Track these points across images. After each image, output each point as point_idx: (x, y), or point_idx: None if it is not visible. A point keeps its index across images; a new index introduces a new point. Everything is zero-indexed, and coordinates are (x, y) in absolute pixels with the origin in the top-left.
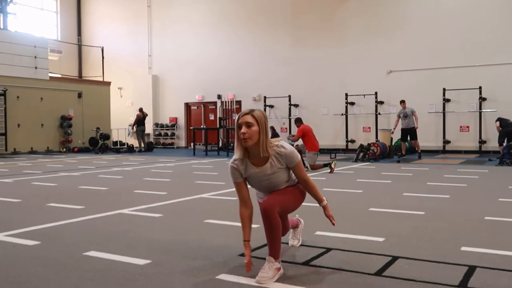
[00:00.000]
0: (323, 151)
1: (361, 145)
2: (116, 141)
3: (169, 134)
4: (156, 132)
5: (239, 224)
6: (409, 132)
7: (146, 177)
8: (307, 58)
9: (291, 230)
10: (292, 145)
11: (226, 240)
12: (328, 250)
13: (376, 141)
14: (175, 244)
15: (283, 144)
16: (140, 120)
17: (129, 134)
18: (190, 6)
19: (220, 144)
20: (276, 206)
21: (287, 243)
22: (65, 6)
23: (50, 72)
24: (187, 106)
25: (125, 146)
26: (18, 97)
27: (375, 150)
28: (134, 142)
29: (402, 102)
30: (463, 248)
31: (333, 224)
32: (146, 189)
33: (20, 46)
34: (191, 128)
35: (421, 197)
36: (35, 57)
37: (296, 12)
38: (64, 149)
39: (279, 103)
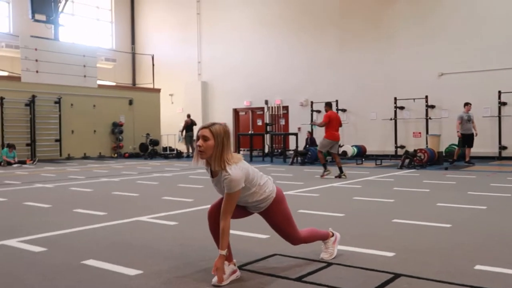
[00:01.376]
0: (371, 157)
1: (407, 151)
2: (166, 147)
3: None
4: None
5: (250, 235)
6: (470, 138)
7: (181, 183)
8: (354, 62)
9: (322, 243)
10: (311, 132)
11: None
12: (329, 265)
13: (427, 147)
14: (175, 254)
15: (233, 169)
16: (188, 126)
17: (179, 140)
18: (238, 12)
19: (267, 150)
20: (215, 209)
21: (285, 255)
22: (119, 17)
23: (104, 80)
24: (235, 111)
25: (174, 152)
26: (72, 104)
27: (422, 157)
28: (183, 148)
29: (467, 104)
30: (477, 267)
31: (219, 283)
32: (175, 196)
33: (71, 56)
34: (238, 134)
35: (455, 208)
36: (84, 66)
37: (343, 15)
38: (115, 155)
39: None
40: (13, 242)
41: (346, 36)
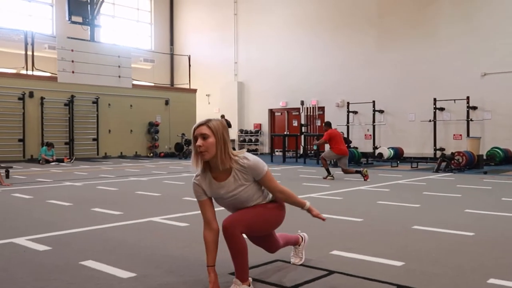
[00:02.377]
0: (408, 159)
1: (443, 154)
2: None
3: (253, 140)
4: (241, 138)
5: None
6: None
7: None
8: (393, 62)
9: (292, 248)
10: (317, 149)
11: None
12: (330, 273)
13: (466, 150)
14: (173, 257)
15: (247, 155)
16: None
17: None
18: (274, 12)
19: (302, 151)
20: (239, 225)
21: (288, 261)
22: (158, 18)
23: (143, 81)
24: (271, 112)
25: None
26: (109, 104)
27: (460, 160)
28: None
29: None
30: (490, 281)
31: (323, 219)
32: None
33: (106, 57)
34: (272, 134)
35: (483, 215)
36: (119, 66)
37: (381, 14)
38: (151, 154)
39: (363, 109)
40: (21, 240)
41: (384, 35)
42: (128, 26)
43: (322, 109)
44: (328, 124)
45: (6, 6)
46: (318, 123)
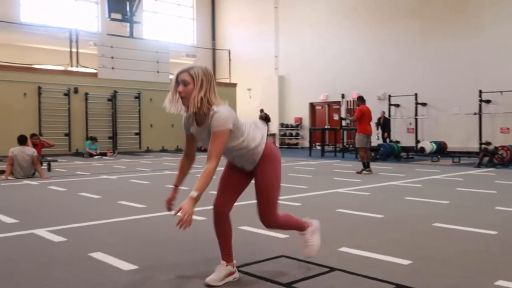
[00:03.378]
0: (452, 154)
1: (485, 149)
2: None
3: (293, 134)
4: (282, 132)
5: (268, 233)
6: None
7: None
8: (436, 53)
9: (299, 235)
10: (348, 124)
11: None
12: (331, 270)
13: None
14: (181, 251)
15: (222, 108)
16: (262, 120)
17: None
18: (314, 5)
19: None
20: (228, 205)
21: (293, 258)
22: (200, 13)
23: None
24: (312, 106)
25: None
26: (151, 99)
27: (504, 155)
28: None
29: None
30: (498, 282)
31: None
32: None
33: (144, 52)
34: (310, 128)
35: None
36: (157, 62)
37: (424, 3)
38: None
39: (405, 102)
40: (41, 231)
41: (428, 25)
42: (170, 22)
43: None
44: (361, 99)
45: (53, 5)
46: None
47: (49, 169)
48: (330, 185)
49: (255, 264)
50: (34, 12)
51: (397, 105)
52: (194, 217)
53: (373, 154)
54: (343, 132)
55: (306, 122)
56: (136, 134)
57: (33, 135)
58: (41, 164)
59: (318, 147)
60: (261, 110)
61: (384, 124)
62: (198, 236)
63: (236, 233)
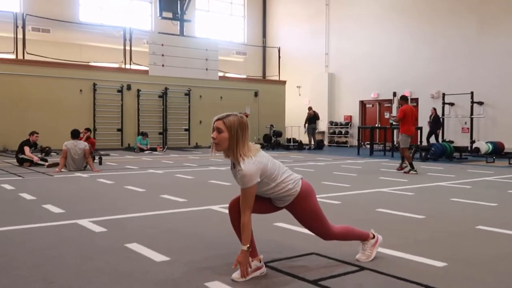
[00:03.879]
0: (510, 155)
1: None
2: (290, 138)
3: (343, 133)
4: (331, 130)
5: (299, 230)
6: None
7: None
8: (494, 50)
9: (360, 243)
10: (391, 124)
11: (271, 245)
12: (361, 269)
13: None
14: (214, 244)
15: (247, 163)
16: (311, 118)
17: (304, 132)
18: (366, 1)
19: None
20: (236, 203)
21: (324, 255)
22: (251, 11)
23: (235, 73)
24: (362, 104)
25: (295, 144)
26: (200, 96)
27: None
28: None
29: None
30: None
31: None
32: None
33: (194, 50)
34: (359, 126)
35: None
36: (206, 59)
37: None
38: None
39: (460, 100)
40: (85, 222)
41: (485, 21)
42: (222, 20)
43: (415, 100)
44: (404, 99)
45: (110, 5)
46: None
47: (100, 163)
48: (374, 184)
49: (285, 260)
50: (92, 12)
51: (452, 104)
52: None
53: (424, 154)
54: (393, 130)
55: (356, 120)
56: (186, 130)
57: (87, 129)
58: (93, 159)
59: (367, 146)
60: (309, 108)
61: (435, 121)
62: (231, 230)
63: (270, 229)
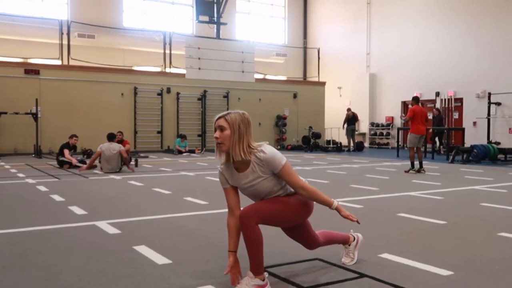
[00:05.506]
0: None
1: None
2: (329, 140)
3: (384, 134)
4: (372, 132)
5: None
6: None
7: (307, 177)
8: None
9: (343, 247)
10: (403, 124)
11: (277, 250)
12: (361, 276)
13: None
14: (221, 249)
15: (265, 148)
16: (349, 119)
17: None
18: (408, 0)
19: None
20: (254, 215)
21: (328, 261)
22: (292, 12)
23: (276, 75)
24: (404, 104)
25: (334, 145)
26: (239, 98)
27: None
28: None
29: None
30: None
31: (357, 222)
32: None
33: (230, 53)
34: (398, 128)
35: None
36: (242, 62)
37: None
38: (278, 147)
39: (508, 100)
40: (102, 223)
41: None
42: (262, 22)
43: (459, 100)
44: (415, 99)
45: (153, 10)
46: (456, 115)
47: (136, 165)
48: (404, 187)
49: (286, 266)
50: (136, 17)
51: (498, 104)
52: None
53: (465, 155)
54: (434, 132)
55: (398, 121)
56: None
57: (120, 133)
58: (130, 160)
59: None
60: (348, 109)
61: (438, 122)
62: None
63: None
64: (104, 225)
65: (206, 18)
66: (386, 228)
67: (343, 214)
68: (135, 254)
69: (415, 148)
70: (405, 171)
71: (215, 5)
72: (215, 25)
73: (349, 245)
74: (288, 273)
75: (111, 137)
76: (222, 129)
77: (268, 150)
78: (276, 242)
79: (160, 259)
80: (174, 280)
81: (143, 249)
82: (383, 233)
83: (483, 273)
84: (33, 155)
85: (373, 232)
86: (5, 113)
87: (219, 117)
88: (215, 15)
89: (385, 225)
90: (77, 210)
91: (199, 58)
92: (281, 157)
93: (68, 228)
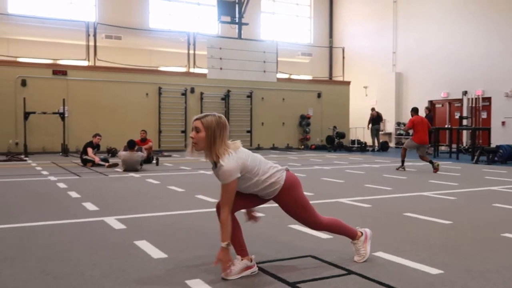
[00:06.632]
0: None
1: None
2: (354, 140)
3: (410, 134)
4: (398, 132)
5: (310, 232)
6: None
7: (324, 177)
8: None
9: (352, 244)
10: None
11: (273, 246)
12: (349, 273)
13: None
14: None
15: (226, 159)
16: (374, 119)
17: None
18: None
19: (463, 146)
20: (233, 211)
21: (320, 259)
22: (318, 11)
23: (301, 75)
24: (431, 104)
25: (358, 145)
26: (262, 98)
27: None
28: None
29: None
30: None
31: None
32: None
33: (251, 53)
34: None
35: None
36: (264, 61)
37: None
38: (302, 146)
39: None
40: (110, 219)
41: None
42: (287, 22)
43: (488, 99)
44: (415, 110)
45: (178, 11)
46: (484, 115)
47: (157, 164)
48: (419, 187)
49: (278, 262)
50: (161, 18)
51: None
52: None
53: (490, 156)
54: (458, 132)
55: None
56: (248, 132)
57: (142, 131)
58: (152, 159)
59: (441, 148)
60: (372, 109)
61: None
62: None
63: (282, 231)
64: (111, 220)
65: (228, 19)
66: (388, 227)
67: (219, 256)
68: (134, 249)
69: (406, 150)
70: (396, 169)
71: (236, 5)
72: (236, 25)
73: (357, 240)
74: (277, 269)
75: (131, 145)
76: (197, 130)
77: (226, 163)
78: (276, 239)
79: (156, 254)
80: (163, 273)
81: (143, 244)
82: (384, 232)
83: (473, 272)
84: (60, 154)
85: (374, 231)
86: (34, 113)
87: (196, 119)
88: (237, 15)
89: (388, 224)
90: (90, 206)
91: (220, 58)
92: (230, 175)
93: (76, 223)
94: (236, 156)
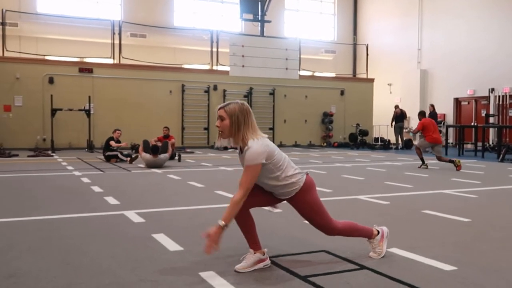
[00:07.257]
0: None
1: None
2: (377, 138)
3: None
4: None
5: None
6: None
7: (344, 174)
8: None
9: (368, 242)
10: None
11: (288, 241)
12: (361, 268)
13: None
14: (233, 237)
15: (254, 143)
16: (398, 117)
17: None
18: None
19: (489, 145)
20: (247, 206)
21: (334, 254)
22: (342, 8)
23: (324, 72)
24: (457, 101)
25: (381, 143)
26: (285, 95)
27: None
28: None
29: None
30: None
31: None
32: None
33: (274, 50)
34: (447, 125)
35: None
36: (286, 59)
37: None
38: (325, 144)
39: None
40: (130, 213)
41: None
42: (311, 19)
43: None
44: (422, 113)
45: (203, 9)
46: (511, 113)
47: (179, 160)
48: (440, 185)
49: (291, 256)
50: (186, 16)
51: None
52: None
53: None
54: (484, 130)
55: (450, 119)
56: (270, 129)
57: (165, 128)
58: (175, 155)
59: (468, 146)
60: (396, 106)
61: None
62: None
63: (297, 226)
64: (131, 214)
65: (250, 16)
66: (404, 224)
67: (210, 231)
68: (152, 241)
69: (421, 150)
70: (418, 167)
71: (259, 3)
72: (259, 23)
73: (374, 239)
74: (290, 263)
75: (155, 150)
76: (222, 118)
77: (256, 146)
78: (291, 234)
79: (173, 246)
80: (179, 265)
81: (160, 237)
82: (400, 229)
83: (486, 270)
84: (86, 150)
85: (390, 228)
86: (61, 109)
87: (220, 108)
88: (259, 13)
89: (405, 221)
90: (111, 200)
91: (242, 56)
92: (256, 158)
93: (97, 216)
94: (264, 142)
